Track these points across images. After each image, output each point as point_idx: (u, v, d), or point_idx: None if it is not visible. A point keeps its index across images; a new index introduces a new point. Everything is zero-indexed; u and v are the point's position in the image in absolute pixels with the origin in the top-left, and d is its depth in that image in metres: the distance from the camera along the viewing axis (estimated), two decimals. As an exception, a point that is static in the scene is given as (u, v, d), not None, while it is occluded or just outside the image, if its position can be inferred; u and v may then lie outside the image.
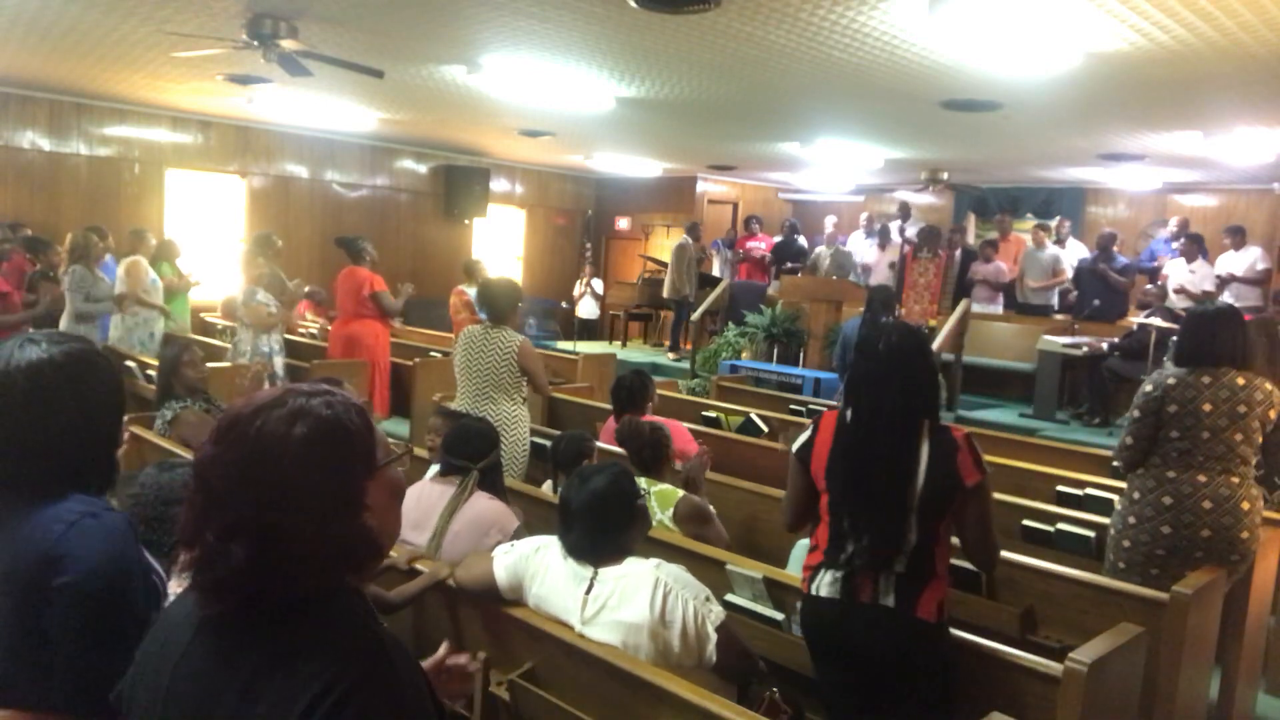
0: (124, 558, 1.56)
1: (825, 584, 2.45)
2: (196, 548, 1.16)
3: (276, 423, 1.16)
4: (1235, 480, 3.24)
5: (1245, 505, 3.23)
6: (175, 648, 1.20)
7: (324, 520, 1.16)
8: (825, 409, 6.24)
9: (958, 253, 10.21)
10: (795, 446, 2.61)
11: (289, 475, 1.15)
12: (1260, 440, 3.26)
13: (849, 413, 2.50)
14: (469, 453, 3.15)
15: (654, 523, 3.31)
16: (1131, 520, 3.35)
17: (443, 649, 1.68)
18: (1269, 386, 3.25)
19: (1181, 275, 8.73)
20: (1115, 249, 9.21)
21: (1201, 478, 3.24)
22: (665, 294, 11.09)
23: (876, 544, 2.37)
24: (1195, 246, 8.80)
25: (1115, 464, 3.61)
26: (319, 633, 1.16)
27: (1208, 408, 3.22)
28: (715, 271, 11.82)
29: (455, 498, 3.06)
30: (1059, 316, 9.37)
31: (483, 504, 3.09)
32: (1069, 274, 9.62)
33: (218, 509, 1.14)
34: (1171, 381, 3.28)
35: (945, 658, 2.42)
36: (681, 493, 3.47)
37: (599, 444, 4.37)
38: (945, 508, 2.37)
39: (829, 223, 11.35)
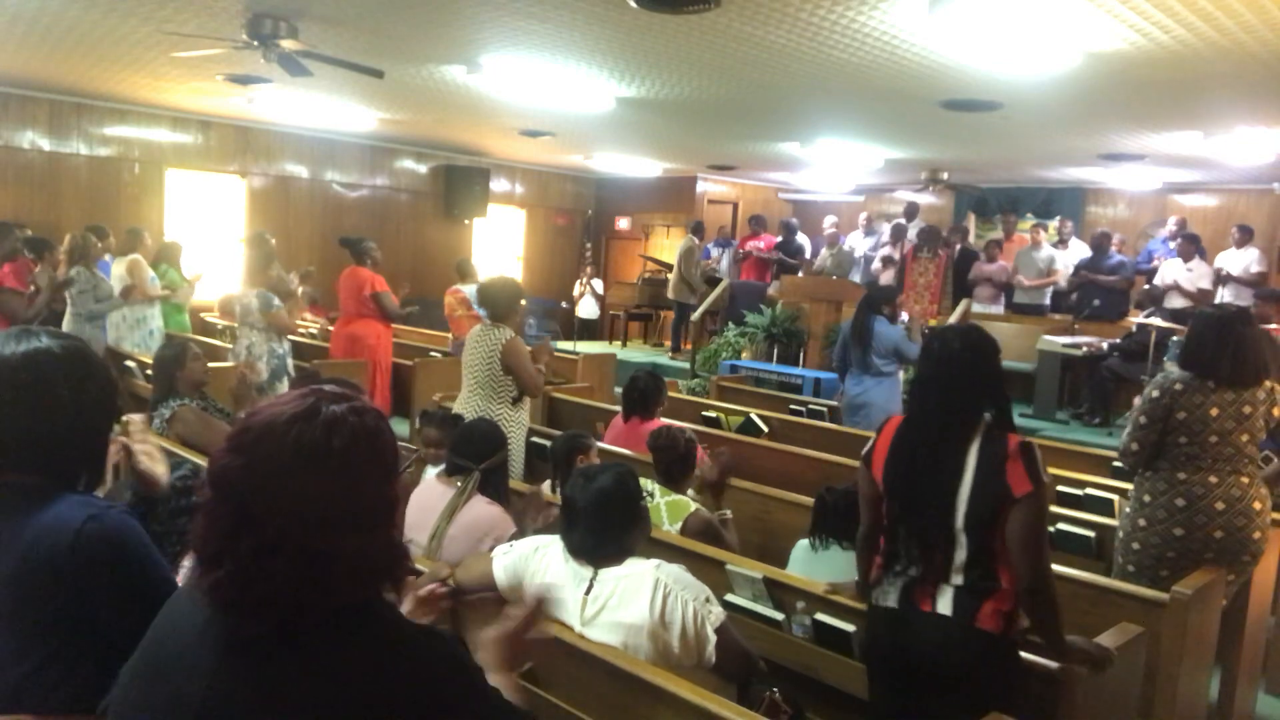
0: (143, 549, 1.56)
1: (886, 594, 2.38)
2: (225, 564, 1.10)
3: (313, 434, 1.12)
4: (1245, 480, 3.22)
5: (1257, 505, 3.22)
6: (196, 665, 1.13)
7: (366, 533, 1.13)
8: (829, 408, 6.16)
9: (955, 250, 10.22)
10: (864, 451, 2.54)
11: (331, 490, 1.11)
12: (1264, 438, 3.24)
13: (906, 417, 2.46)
14: (471, 453, 3.14)
15: (661, 530, 3.30)
16: (1142, 523, 3.32)
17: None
18: (1269, 383, 3.24)
19: (1178, 274, 8.74)
20: (1114, 248, 9.22)
21: (1212, 479, 3.21)
22: (671, 294, 11.08)
23: (925, 553, 2.30)
24: (1192, 245, 8.81)
25: (1121, 465, 3.59)
26: (378, 642, 1.13)
27: (1214, 412, 3.19)
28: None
29: (455, 499, 3.06)
30: (1057, 316, 9.38)
31: (480, 509, 3.08)
32: (1063, 274, 9.63)
33: (253, 525, 1.09)
34: (1179, 387, 3.23)
35: (1009, 674, 2.29)
36: (694, 506, 3.45)
37: (603, 445, 4.36)
38: (995, 519, 2.24)
39: (828, 223, 11.36)
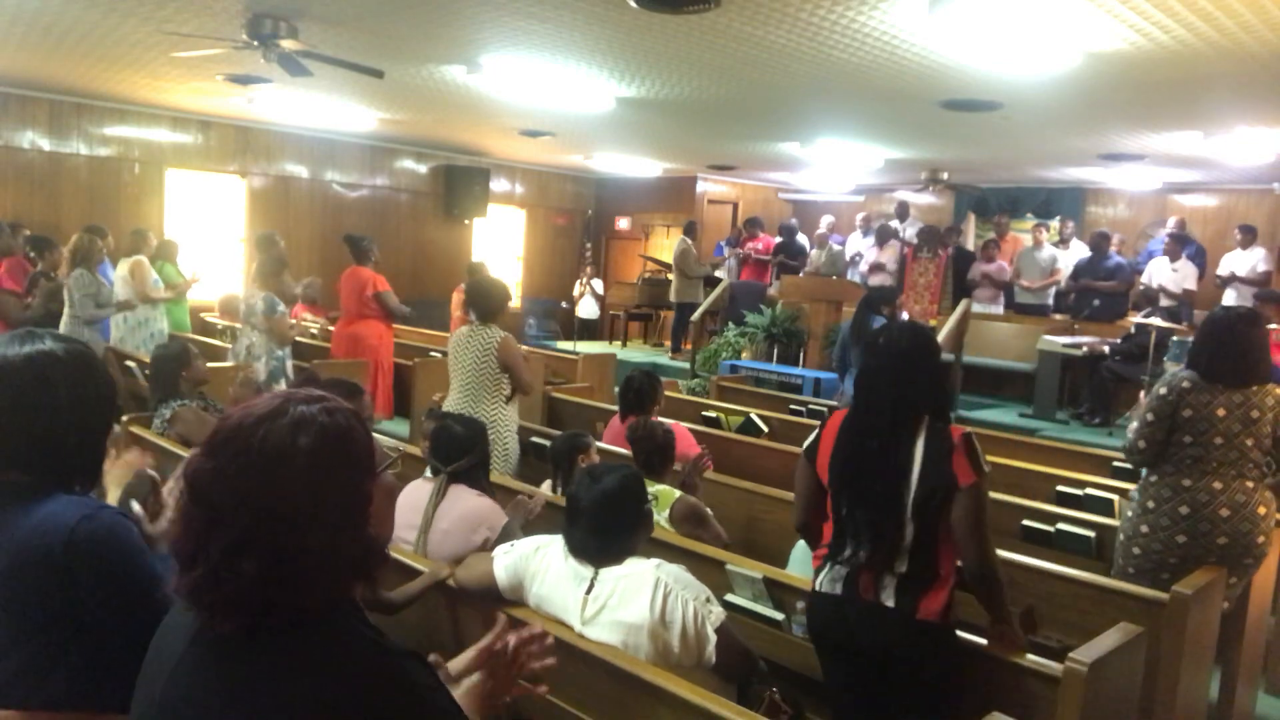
0: (135, 550, 1.57)
1: (828, 580, 2.46)
2: (199, 565, 1.11)
3: (279, 434, 1.13)
4: (1250, 485, 3.20)
5: (1262, 510, 3.20)
6: (169, 658, 1.16)
7: (335, 532, 1.14)
8: (830, 408, 6.21)
9: (950, 251, 10.20)
10: (805, 444, 2.62)
11: (297, 488, 1.12)
12: (1270, 444, 3.22)
13: (852, 409, 2.53)
14: (440, 456, 3.18)
15: (657, 528, 3.31)
16: (1144, 529, 3.30)
17: (500, 624, 1.58)
18: None
19: (1164, 274, 8.73)
20: (1114, 249, 9.22)
21: (1217, 484, 3.20)
22: (673, 297, 11.13)
23: (873, 542, 2.38)
24: (1178, 246, 8.81)
25: (1119, 464, 3.58)
26: (322, 649, 1.14)
27: (1221, 413, 3.18)
28: (720, 272, 11.83)
29: (430, 500, 3.10)
30: (1058, 316, 9.38)
31: (470, 501, 3.11)
32: (1065, 274, 9.62)
33: (221, 525, 1.11)
34: (1186, 385, 3.23)
35: (948, 661, 2.39)
36: (678, 493, 3.48)
37: (602, 445, 4.37)
38: (940, 509, 2.35)
39: (824, 223, 11.35)
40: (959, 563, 2.41)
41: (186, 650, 1.15)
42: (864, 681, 2.45)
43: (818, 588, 2.49)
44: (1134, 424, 3.39)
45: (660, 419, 4.36)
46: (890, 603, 2.36)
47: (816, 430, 2.61)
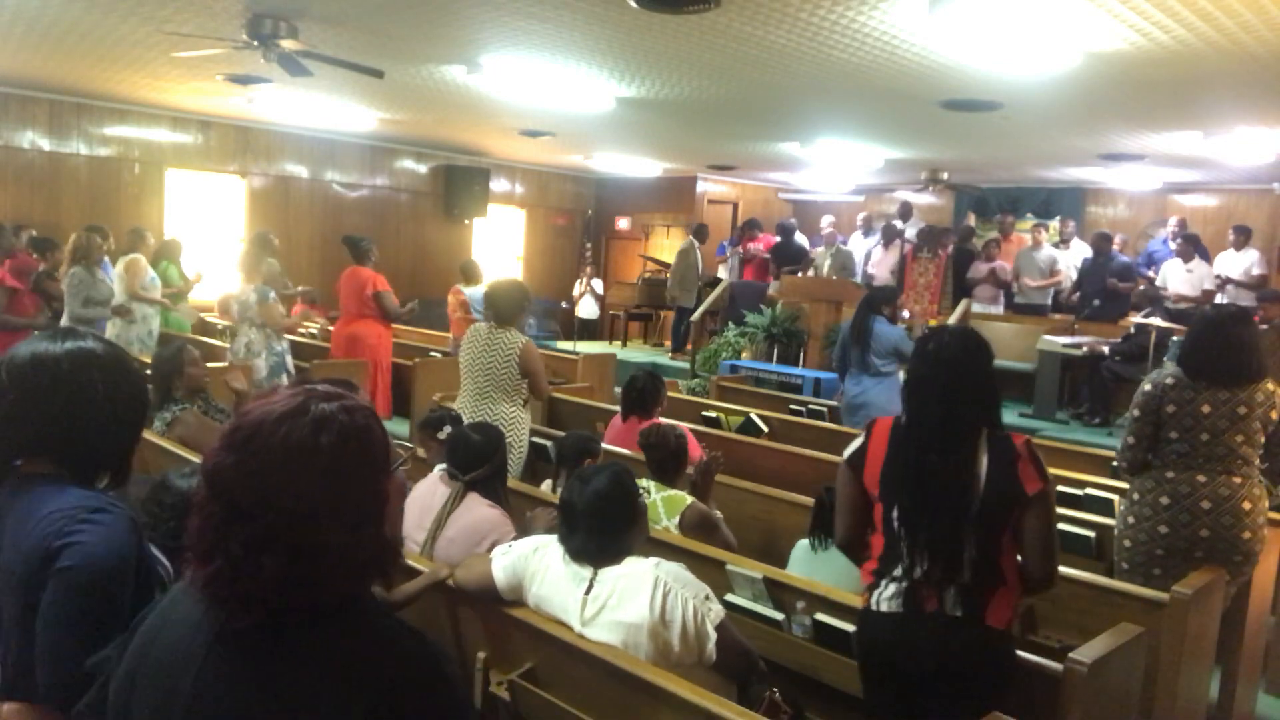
0: (121, 555, 1.56)
1: (886, 597, 2.34)
2: (217, 559, 1.12)
3: (302, 432, 1.14)
4: (1237, 480, 3.21)
5: (1247, 505, 3.20)
6: (189, 659, 1.16)
7: (354, 530, 1.15)
8: (829, 408, 6.15)
9: (949, 249, 10.20)
10: (847, 454, 2.50)
11: (319, 487, 1.13)
12: (1262, 440, 3.22)
13: (904, 419, 2.42)
14: (458, 464, 3.16)
15: (659, 528, 3.30)
16: (1131, 520, 3.35)
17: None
18: (1270, 386, 3.22)
19: (1179, 275, 8.73)
20: (1118, 249, 9.20)
21: (1201, 478, 3.21)
22: (668, 294, 11.19)
23: (936, 556, 2.28)
24: (1191, 246, 8.80)
25: (1116, 464, 3.60)
26: (354, 639, 1.15)
27: (1206, 409, 3.19)
28: (721, 272, 11.83)
29: (444, 506, 3.09)
30: (1057, 316, 9.38)
31: (480, 511, 3.09)
32: (1065, 274, 9.61)
33: (242, 520, 1.11)
34: (1170, 381, 3.25)
35: (1011, 670, 2.33)
36: (689, 500, 3.46)
37: (604, 445, 4.37)
38: (1006, 518, 2.27)
39: (825, 222, 11.35)
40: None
41: (212, 648, 1.15)
42: (916, 703, 2.34)
43: (874, 606, 2.37)
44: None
45: (659, 419, 4.35)
46: (958, 612, 2.27)
47: (861, 438, 2.49)
